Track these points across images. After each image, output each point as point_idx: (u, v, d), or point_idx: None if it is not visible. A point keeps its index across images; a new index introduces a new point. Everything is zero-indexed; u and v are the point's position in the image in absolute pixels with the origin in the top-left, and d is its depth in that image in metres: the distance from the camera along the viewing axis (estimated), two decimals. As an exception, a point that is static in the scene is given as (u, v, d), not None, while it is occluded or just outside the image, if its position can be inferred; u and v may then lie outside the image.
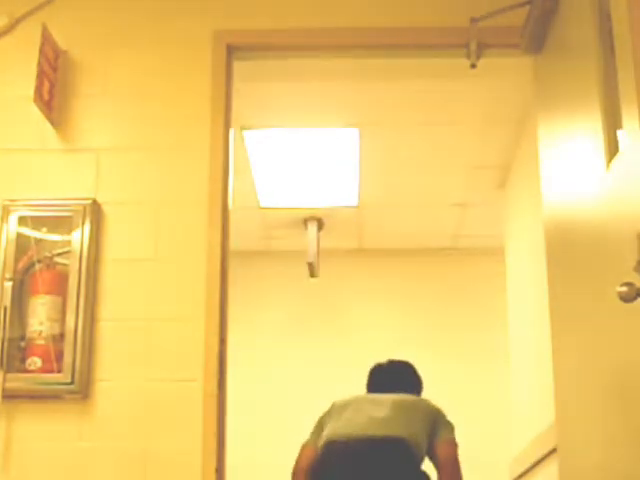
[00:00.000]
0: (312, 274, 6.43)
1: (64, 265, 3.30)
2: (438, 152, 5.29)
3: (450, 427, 3.46)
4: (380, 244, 6.61)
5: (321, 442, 3.44)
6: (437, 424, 3.44)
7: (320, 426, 3.55)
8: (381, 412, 3.39)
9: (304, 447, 3.54)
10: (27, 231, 3.34)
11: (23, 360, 3.21)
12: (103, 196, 3.39)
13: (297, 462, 3.52)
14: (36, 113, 3.37)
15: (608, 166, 2.46)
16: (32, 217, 3.36)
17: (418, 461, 3.34)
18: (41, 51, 3.35)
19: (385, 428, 3.34)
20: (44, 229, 3.35)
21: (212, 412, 3.17)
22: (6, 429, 3.17)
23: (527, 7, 3.24)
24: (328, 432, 3.44)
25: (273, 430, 6.65)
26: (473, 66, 3.47)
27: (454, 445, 3.43)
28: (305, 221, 6.33)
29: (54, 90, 3.44)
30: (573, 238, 2.90)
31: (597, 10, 2.62)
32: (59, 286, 3.27)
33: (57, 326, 3.23)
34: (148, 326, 3.27)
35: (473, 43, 3.44)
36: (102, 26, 3.58)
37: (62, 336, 3.22)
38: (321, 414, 3.59)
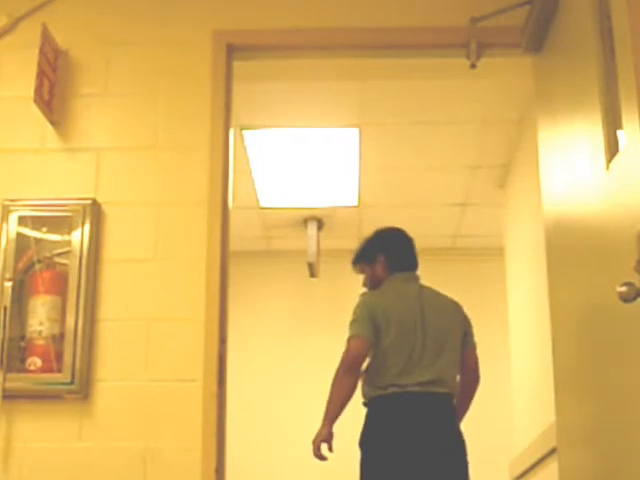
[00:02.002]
0: (312, 274, 6.43)
1: (64, 265, 3.30)
2: (438, 152, 5.29)
3: (473, 332, 3.59)
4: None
5: (384, 385, 3.32)
6: (467, 332, 3.55)
7: (370, 321, 3.34)
8: (429, 343, 3.36)
9: (352, 338, 3.34)
10: (27, 231, 3.34)
11: (23, 360, 3.21)
12: (103, 196, 3.39)
13: (348, 354, 3.33)
14: (36, 113, 3.37)
15: (608, 166, 2.46)
16: (32, 217, 3.35)
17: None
18: (41, 51, 3.35)
19: (436, 372, 3.34)
20: (44, 229, 3.35)
21: (212, 412, 3.17)
22: (6, 429, 3.17)
23: (527, 7, 3.25)
24: (390, 374, 3.31)
25: (273, 430, 6.65)
26: (473, 66, 3.47)
27: (476, 350, 3.60)
28: (305, 221, 6.33)
29: (54, 90, 3.44)
30: (573, 238, 2.90)
31: (597, 10, 2.62)
32: (59, 286, 3.27)
33: (57, 326, 3.22)
34: (148, 326, 3.27)
35: (473, 43, 3.44)
36: (102, 26, 3.58)
37: (62, 336, 3.21)
38: (363, 309, 3.39)
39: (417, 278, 3.59)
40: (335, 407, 3.32)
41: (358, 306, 3.44)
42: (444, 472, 3.29)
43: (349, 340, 3.36)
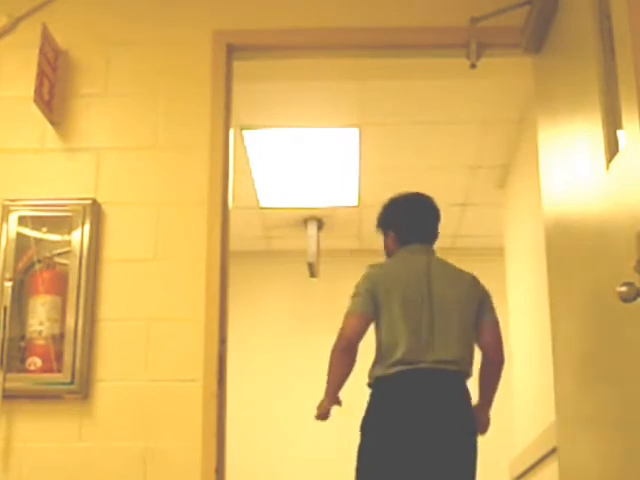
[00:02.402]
0: (312, 274, 6.43)
1: (64, 265, 3.30)
2: (438, 152, 5.29)
3: (493, 307, 3.37)
4: (380, 244, 6.60)
5: (389, 365, 3.15)
6: (484, 306, 3.32)
7: (370, 296, 3.22)
8: (437, 318, 3.18)
9: (348, 316, 3.23)
10: (27, 231, 3.34)
11: (23, 360, 3.21)
12: (103, 196, 3.39)
13: (342, 335, 3.21)
14: (36, 113, 3.37)
15: (608, 166, 2.46)
16: (32, 217, 3.35)
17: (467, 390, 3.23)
18: (41, 51, 3.35)
19: (445, 349, 3.15)
20: (44, 229, 3.35)
21: (212, 412, 3.17)
22: (6, 429, 3.17)
23: (527, 7, 3.24)
24: (394, 350, 3.14)
25: (273, 430, 6.65)
26: (473, 66, 3.47)
27: (498, 325, 3.35)
28: (305, 221, 6.33)
29: (54, 90, 3.44)
30: (573, 238, 2.90)
31: (597, 10, 2.62)
32: (59, 286, 3.27)
33: (57, 326, 3.22)
34: (148, 326, 3.27)
35: (473, 43, 3.44)
36: (102, 26, 3.58)
37: (62, 336, 3.21)
38: (364, 283, 3.27)
39: (430, 251, 3.39)
40: (334, 386, 3.21)
41: (360, 280, 3.30)
42: (450, 461, 3.11)
43: (345, 318, 3.23)
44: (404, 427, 3.08)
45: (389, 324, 3.20)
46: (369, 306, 3.22)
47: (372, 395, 3.19)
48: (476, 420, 3.23)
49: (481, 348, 3.33)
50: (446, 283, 3.28)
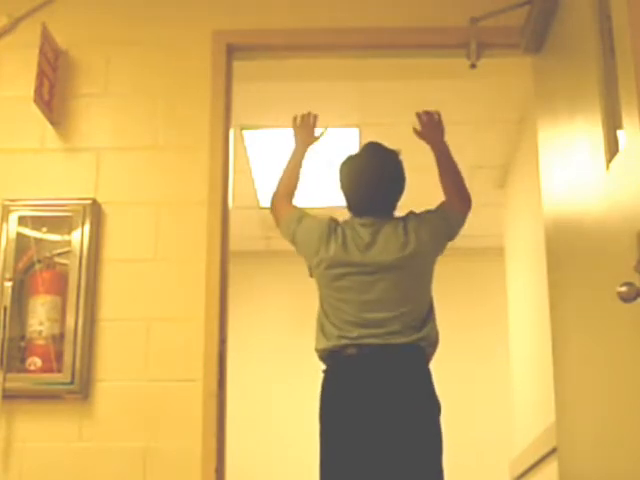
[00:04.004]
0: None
1: (64, 265, 3.30)
2: (438, 152, 5.29)
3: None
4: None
5: (327, 342, 2.90)
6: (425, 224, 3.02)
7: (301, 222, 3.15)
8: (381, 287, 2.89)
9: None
10: (27, 231, 3.34)
11: (23, 360, 3.21)
12: (103, 196, 3.39)
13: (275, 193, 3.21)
14: (36, 113, 3.37)
15: (608, 166, 2.46)
16: (32, 217, 3.36)
17: (423, 363, 2.88)
18: (41, 51, 3.35)
19: (394, 313, 2.84)
20: (44, 229, 3.35)
21: (212, 412, 3.17)
22: (6, 429, 3.17)
23: (527, 7, 3.25)
24: (331, 332, 2.88)
25: (273, 430, 6.65)
26: (473, 66, 3.47)
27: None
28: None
29: (54, 90, 3.44)
30: (573, 238, 2.90)
31: (597, 10, 2.62)
32: (59, 286, 3.27)
33: (57, 326, 3.22)
34: (148, 326, 3.27)
35: (473, 43, 3.44)
36: (102, 26, 3.58)
37: (62, 336, 3.21)
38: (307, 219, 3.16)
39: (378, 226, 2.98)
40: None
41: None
42: (404, 451, 2.76)
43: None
44: (349, 425, 2.81)
45: (329, 282, 3.03)
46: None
47: (324, 375, 2.98)
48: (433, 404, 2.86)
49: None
50: (386, 239, 2.98)
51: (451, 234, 3.12)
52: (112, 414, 3.19)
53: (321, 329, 2.97)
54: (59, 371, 3.19)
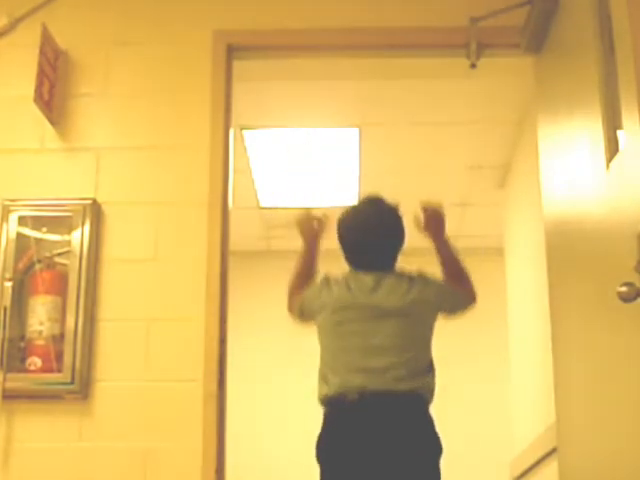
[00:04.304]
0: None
1: (64, 265, 3.30)
2: (438, 152, 5.29)
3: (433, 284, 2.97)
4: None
5: (326, 391, 2.85)
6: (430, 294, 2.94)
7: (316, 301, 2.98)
8: (382, 339, 2.83)
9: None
10: (27, 231, 3.34)
11: (23, 360, 3.21)
12: (103, 196, 3.39)
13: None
14: (36, 113, 3.37)
15: (608, 166, 2.46)
16: (32, 217, 3.35)
17: (426, 410, 2.83)
18: (41, 51, 3.35)
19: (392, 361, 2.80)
20: (44, 229, 3.35)
21: (212, 412, 3.17)
22: (6, 429, 3.17)
23: (527, 7, 3.24)
24: (331, 378, 2.84)
25: (273, 430, 6.65)
26: (473, 66, 3.47)
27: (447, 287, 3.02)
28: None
29: (54, 90, 3.44)
30: (573, 238, 2.90)
31: (597, 10, 2.62)
32: (59, 286, 3.27)
33: (57, 326, 3.22)
34: (148, 326, 3.27)
35: (473, 43, 3.43)
36: (102, 26, 3.58)
37: (62, 336, 3.21)
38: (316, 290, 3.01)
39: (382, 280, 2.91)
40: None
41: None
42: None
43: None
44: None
45: (324, 330, 2.99)
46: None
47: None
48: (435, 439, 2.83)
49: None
50: (388, 290, 2.92)
51: (452, 310, 3.07)
52: (112, 414, 3.19)
53: (323, 378, 2.90)
54: (59, 371, 3.19)
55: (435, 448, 2.82)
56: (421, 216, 3.15)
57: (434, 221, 3.14)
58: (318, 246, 3.18)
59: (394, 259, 3.02)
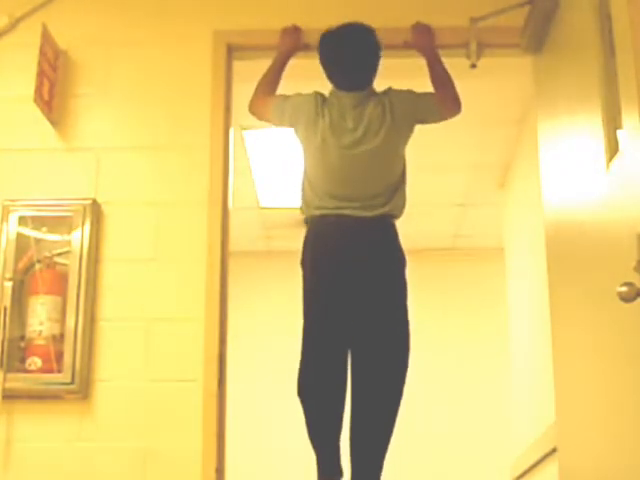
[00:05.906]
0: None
1: (64, 265, 3.30)
2: (438, 152, 5.29)
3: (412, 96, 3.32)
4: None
5: (311, 211, 3.31)
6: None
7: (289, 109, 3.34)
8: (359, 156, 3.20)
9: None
10: (27, 231, 3.35)
11: (23, 360, 3.21)
12: (103, 196, 3.40)
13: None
14: (36, 113, 3.37)
15: (608, 166, 2.46)
16: (32, 217, 3.36)
17: (394, 233, 3.24)
18: (41, 51, 3.35)
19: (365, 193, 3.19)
20: (44, 229, 3.35)
21: (212, 412, 3.17)
22: (6, 429, 3.17)
23: (527, 7, 3.25)
24: (314, 197, 3.28)
25: (273, 430, 6.65)
26: (473, 66, 3.47)
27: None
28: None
29: (54, 90, 3.44)
30: (573, 238, 2.90)
31: (597, 10, 2.62)
32: (59, 286, 3.27)
33: (57, 326, 3.23)
34: (148, 326, 3.27)
35: (473, 43, 3.44)
36: (102, 26, 3.58)
37: (62, 336, 3.22)
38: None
39: (358, 100, 3.24)
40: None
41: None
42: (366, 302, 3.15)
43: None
44: (324, 272, 3.28)
45: (311, 153, 3.33)
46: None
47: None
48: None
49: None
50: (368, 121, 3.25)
51: (424, 120, 3.36)
52: (112, 414, 3.19)
53: (303, 196, 3.33)
54: (59, 371, 3.19)
55: (402, 258, 3.20)
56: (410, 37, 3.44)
57: (420, 31, 3.45)
58: (290, 57, 3.49)
59: (372, 77, 3.30)
